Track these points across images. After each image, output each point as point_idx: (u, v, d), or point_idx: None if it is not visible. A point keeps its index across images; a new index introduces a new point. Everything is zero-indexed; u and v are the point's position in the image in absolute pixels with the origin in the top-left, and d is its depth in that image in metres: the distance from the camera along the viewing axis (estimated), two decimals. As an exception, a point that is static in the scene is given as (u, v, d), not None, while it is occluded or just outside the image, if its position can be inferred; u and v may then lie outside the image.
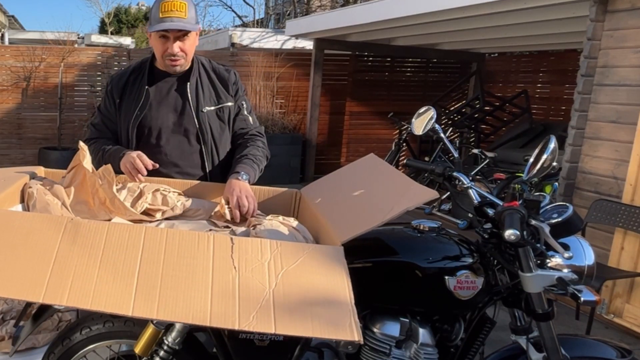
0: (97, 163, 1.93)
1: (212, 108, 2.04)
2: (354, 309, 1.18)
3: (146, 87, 2.01)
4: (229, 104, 2.08)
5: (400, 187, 1.50)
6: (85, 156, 1.77)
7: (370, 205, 1.50)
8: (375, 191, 1.58)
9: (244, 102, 2.13)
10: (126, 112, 2.04)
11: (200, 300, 1.17)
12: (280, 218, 1.66)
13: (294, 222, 1.66)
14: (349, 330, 1.14)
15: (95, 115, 2.17)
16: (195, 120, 2.01)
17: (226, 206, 1.76)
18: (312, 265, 1.27)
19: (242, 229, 1.64)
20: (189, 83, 2.01)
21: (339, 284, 1.24)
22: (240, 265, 1.25)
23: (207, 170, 2.06)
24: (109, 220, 1.73)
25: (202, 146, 2.03)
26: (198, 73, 2.04)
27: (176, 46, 1.92)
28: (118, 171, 1.89)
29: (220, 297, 1.18)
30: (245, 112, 2.13)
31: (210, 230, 1.64)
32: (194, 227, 1.68)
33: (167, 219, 1.80)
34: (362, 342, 1.15)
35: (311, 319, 1.16)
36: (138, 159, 1.86)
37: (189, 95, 2.01)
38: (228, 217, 1.75)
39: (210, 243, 1.29)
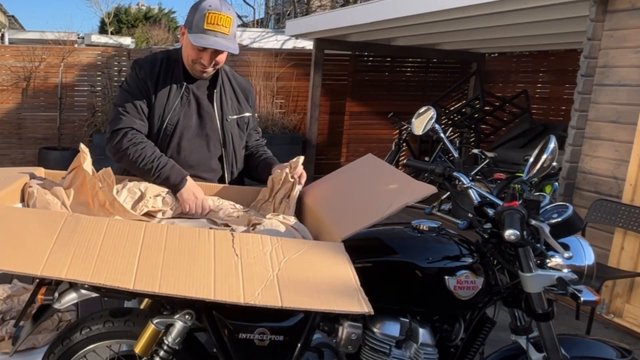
0: (137, 168, 1.87)
1: (235, 117, 2.05)
2: (360, 287, 1.17)
3: (185, 83, 1.97)
4: (247, 114, 2.10)
5: (398, 184, 1.51)
6: (85, 158, 1.76)
7: (369, 202, 1.50)
8: (374, 189, 1.58)
9: (255, 113, 2.19)
10: (160, 106, 1.96)
11: (204, 278, 1.15)
12: (281, 217, 1.66)
13: (292, 221, 1.66)
14: (357, 303, 1.13)
15: (120, 96, 1.98)
16: (220, 128, 2.01)
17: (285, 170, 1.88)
18: (314, 255, 1.27)
19: (241, 228, 1.64)
20: (215, 90, 2.01)
21: (342, 269, 1.23)
22: (242, 254, 1.24)
23: (225, 178, 2.05)
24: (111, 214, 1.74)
25: (224, 154, 2.03)
26: (222, 81, 2.04)
27: (210, 60, 1.90)
28: (118, 172, 1.88)
29: (224, 277, 1.16)
30: (256, 123, 2.22)
31: (210, 228, 1.64)
32: (193, 226, 1.68)
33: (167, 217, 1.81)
34: (372, 313, 1.12)
35: (317, 293, 1.14)
36: (202, 204, 1.84)
37: (215, 102, 2.01)
38: (289, 176, 1.87)
39: (211, 237, 1.29)
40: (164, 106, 1.96)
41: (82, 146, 1.81)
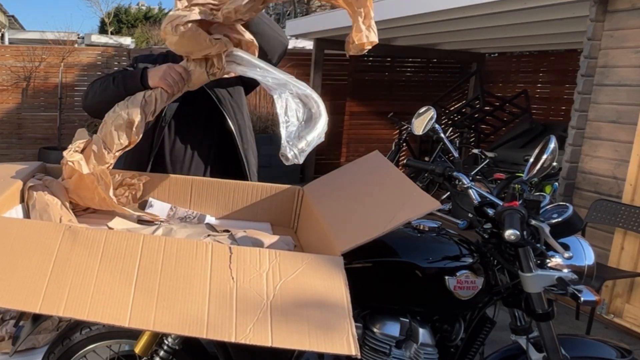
0: (101, 94, 1.84)
1: (228, 89, 2.04)
2: (352, 322, 1.19)
3: None
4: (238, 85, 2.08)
5: (403, 194, 1.49)
6: (78, 161, 1.74)
7: (372, 213, 1.49)
8: (378, 196, 1.57)
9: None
10: None
11: (197, 312, 1.18)
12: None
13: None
14: (346, 345, 1.16)
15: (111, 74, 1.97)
16: (221, 108, 2.00)
17: None
18: (311, 276, 1.27)
19: (241, 233, 1.63)
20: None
21: (337, 296, 1.24)
22: (238, 276, 1.25)
23: (243, 162, 2.06)
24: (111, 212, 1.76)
25: (232, 127, 2.02)
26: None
27: None
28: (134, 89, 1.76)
29: (217, 309, 1.19)
30: None
31: (209, 235, 1.64)
32: (192, 232, 1.67)
33: (165, 221, 1.80)
34: (358, 357, 1.16)
35: (308, 333, 1.17)
36: (174, 68, 1.72)
37: (207, 89, 2.01)
38: None
39: (209, 253, 1.29)
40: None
41: (66, 156, 1.74)
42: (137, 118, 1.67)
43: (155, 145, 2.01)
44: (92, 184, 1.72)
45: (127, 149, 1.75)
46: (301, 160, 1.46)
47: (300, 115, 1.52)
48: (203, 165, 2.05)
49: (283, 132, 1.45)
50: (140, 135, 1.72)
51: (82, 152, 1.75)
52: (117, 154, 1.73)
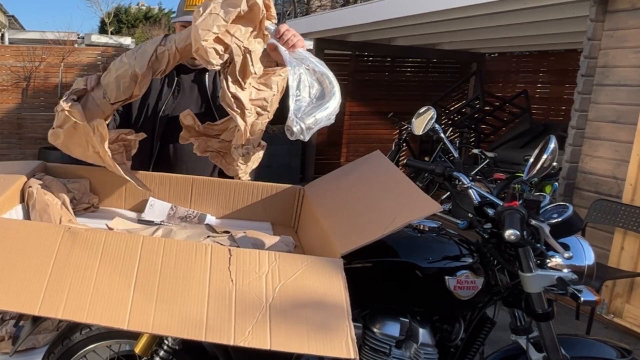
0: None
1: None
2: (351, 325, 1.19)
3: (175, 77, 1.99)
4: None
5: (404, 196, 1.48)
6: (73, 110, 1.64)
7: (372, 214, 1.48)
8: (379, 197, 1.56)
9: None
10: (152, 99, 2.00)
11: (196, 315, 1.17)
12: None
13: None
14: (345, 348, 1.16)
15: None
16: (213, 108, 1.99)
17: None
18: (310, 278, 1.27)
19: (241, 233, 1.63)
20: (207, 74, 2.02)
21: (336, 298, 1.24)
22: (237, 278, 1.25)
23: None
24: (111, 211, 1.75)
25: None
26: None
27: None
28: None
29: (216, 312, 1.19)
30: None
31: (209, 236, 1.63)
32: (192, 234, 1.66)
33: (164, 223, 1.80)
34: None
35: (307, 336, 1.17)
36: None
37: (207, 85, 2.01)
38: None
39: (208, 255, 1.29)
40: (161, 100, 1.99)
41: (62, 104, 1.66)
42: (142, 72, 1.57)
43: (155, 149, 2.00)
44: (87, 135, 1.64)
45: (127, 101, 1.68)
46: (307, 138, 1.41)
47: (312, 92, 1.48)
48: (210, 166, 2.03)
49: (292, 105, 1.41)
50: (144, 91, 1.63)
51: (79, 100, 1.67)
52: (116, 105, 1.66)
